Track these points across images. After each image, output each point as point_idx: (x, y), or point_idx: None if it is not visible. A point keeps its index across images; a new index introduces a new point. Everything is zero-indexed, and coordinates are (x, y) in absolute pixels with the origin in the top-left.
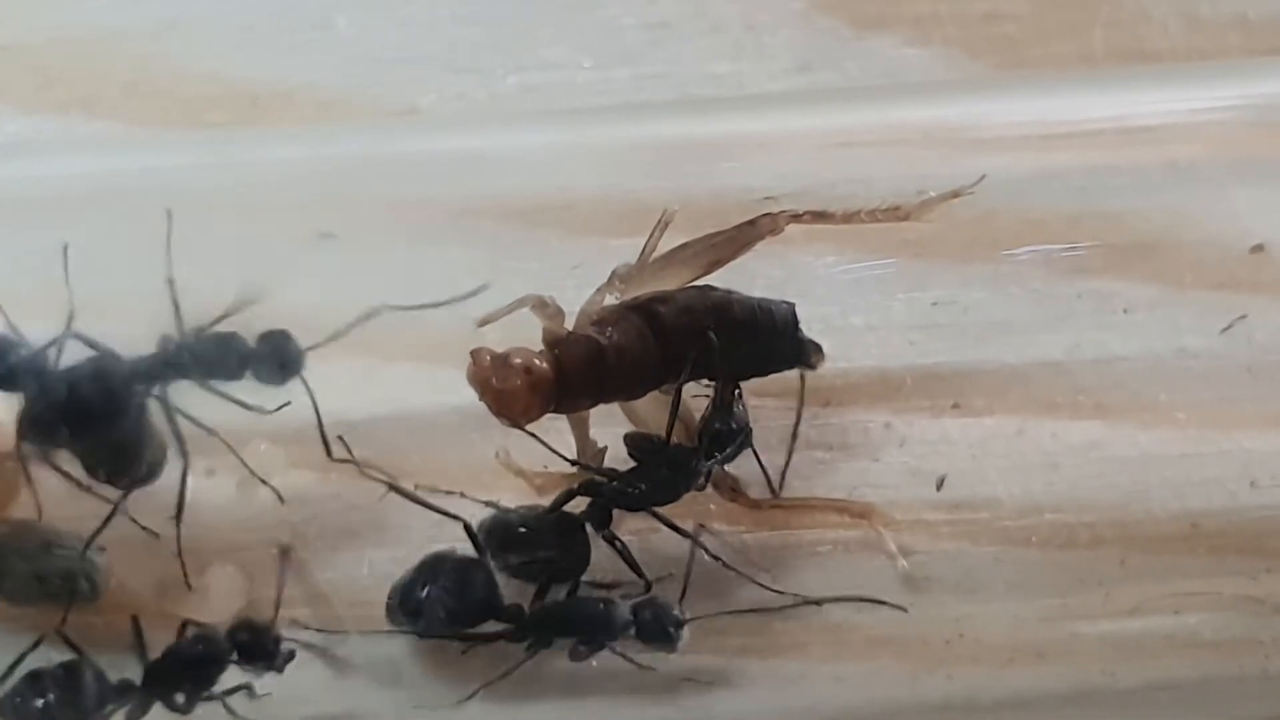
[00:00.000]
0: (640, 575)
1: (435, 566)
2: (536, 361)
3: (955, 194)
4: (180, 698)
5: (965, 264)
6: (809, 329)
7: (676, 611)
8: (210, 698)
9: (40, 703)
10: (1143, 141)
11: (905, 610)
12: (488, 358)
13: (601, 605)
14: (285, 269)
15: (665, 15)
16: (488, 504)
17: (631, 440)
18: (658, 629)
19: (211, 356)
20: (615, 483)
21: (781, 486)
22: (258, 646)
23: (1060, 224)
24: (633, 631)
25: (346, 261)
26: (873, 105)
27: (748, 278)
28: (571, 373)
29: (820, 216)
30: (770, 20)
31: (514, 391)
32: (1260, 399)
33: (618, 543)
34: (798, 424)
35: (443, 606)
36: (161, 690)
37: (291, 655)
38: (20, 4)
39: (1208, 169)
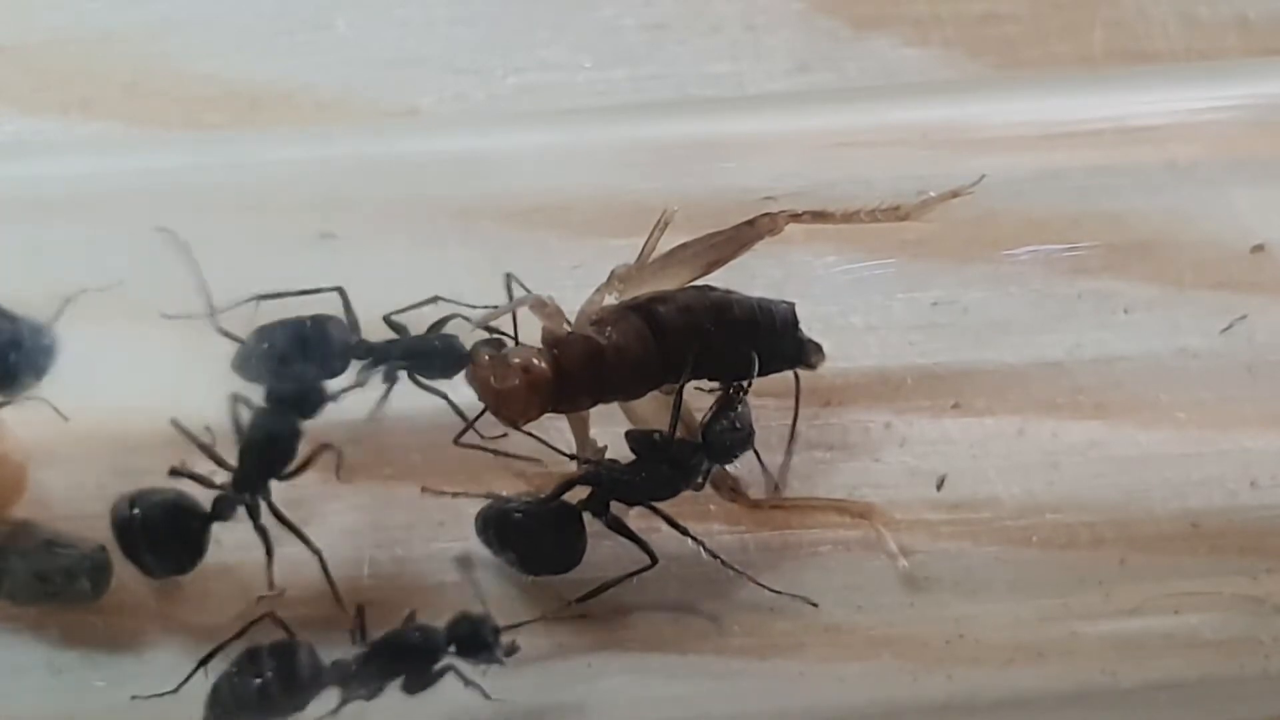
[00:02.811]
0: (648, 553)
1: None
2: (535, 361)
3: (955, 194)
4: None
5: (965, 264)
6: (809, 329)
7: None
8: (427, 685)
9: (258, 681)
10: (1143, 141)
11: (816, 605)
12: (487, 357)
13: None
14: (285, 269)
15: (664, 16)
16: (487, 495)
17: (633, 437)
18: (478, 642)
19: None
20: (614, 474)
21: (783, 485)
22: (476, 639)
23: (1060, 224)
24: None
25: (346, 261)
26: (872, 105)
27: (748, 278)
28: (570, 372)
29: (820, 216)
30: (769, 21)
31: (513, 391)
32: (1260, 399)
33: (622, 525)
34: (795, 424)
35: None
36: (377, 674)
37: (515, 648)
38: (19, 5)
39: (1208, 169)
